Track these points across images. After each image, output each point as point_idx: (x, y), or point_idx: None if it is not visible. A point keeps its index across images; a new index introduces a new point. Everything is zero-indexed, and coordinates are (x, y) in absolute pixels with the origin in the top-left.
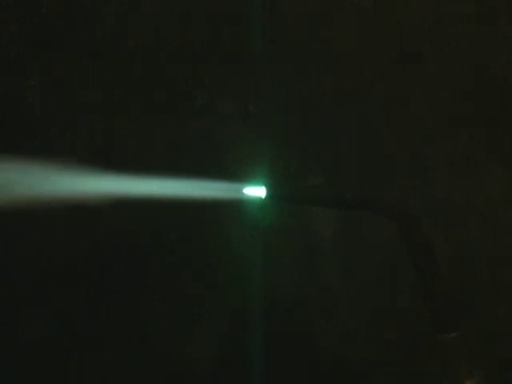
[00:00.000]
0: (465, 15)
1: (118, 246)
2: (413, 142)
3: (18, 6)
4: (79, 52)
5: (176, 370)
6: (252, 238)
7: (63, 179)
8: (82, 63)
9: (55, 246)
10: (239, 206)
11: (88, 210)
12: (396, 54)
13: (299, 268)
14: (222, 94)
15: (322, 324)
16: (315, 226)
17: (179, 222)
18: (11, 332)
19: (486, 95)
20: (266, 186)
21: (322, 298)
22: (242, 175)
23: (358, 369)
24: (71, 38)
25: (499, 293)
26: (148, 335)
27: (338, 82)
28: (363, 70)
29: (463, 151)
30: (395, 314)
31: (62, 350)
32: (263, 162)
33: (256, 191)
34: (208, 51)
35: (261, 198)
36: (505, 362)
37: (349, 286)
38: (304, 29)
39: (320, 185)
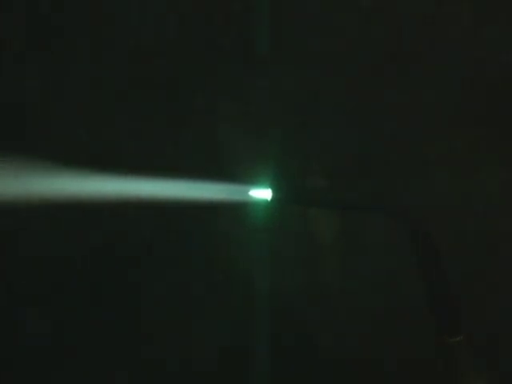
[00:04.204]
0: (465, 15)
1: (117, 246)
2: (413, 141)
3: (18, 6)
4: (79, 52)
5: (176, 370)
6: (254, 239)
7: (63, 179)
8: (82, 63)
9: (55, 246)
10: (241, 206)
11: (88, 211)
12: (396, 53)
13: (299, 268)
14: (222, 94)
15: (322, 324)
16: (315, 225)
17: (179, 222)
18: (11, 332)
19: (486, 95)
20: (271, 188)
21: (322, 297)
22: (242, 176)
23: (358, 369)
24: (71, 38)
25: (500, 293)
26: (148, 335)
27: (338, 82)
28: (363, 69)
29: (463, 151)
30: (395, 314)
31: (61, 350)
32: (264, 162)
33: (261, 193)
34: (208, 51)
35: (266, 201)
36: (505, 363)
37: (349, 285)
38: (304, 29)
39: (321, 185)
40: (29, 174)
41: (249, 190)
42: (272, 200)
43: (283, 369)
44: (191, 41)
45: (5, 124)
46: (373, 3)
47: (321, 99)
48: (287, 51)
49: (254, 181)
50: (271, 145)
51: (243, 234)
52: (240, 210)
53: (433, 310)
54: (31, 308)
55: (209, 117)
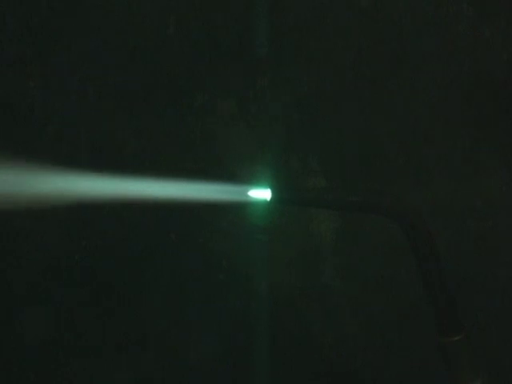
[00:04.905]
0: (465, 15)
1: (117, 246)
2: (413, 142)
3: (18, 6)
4: (79, 52)
5: (175, 370)
6: (254, 239)
7: (63, 179)
8: (82, 63)
9: (55, 246)
10: (241, 206)
11: (88, 211)
12: (396, 53)
13: (299, 268)
14: (222, 94)
15: (322, 324)
16: (315, 225)
17: (179, 221)
18: (10, 332)
19: (486, 95)
20: (271, 188)
21: (322, 297)
22: (242, 176)
23: (358, 369)
24: (71, 38)
25: (500, 293)
26: (148, 335)
27: (338, 82)
28: (363, 70)
29: (463, 151)
30: (395, 314)
31: (60, 350)
32: (264, 162)
33: (261, 194)
34: (208, 51)
35: (266, 201)
36: (505, 364)
37: (349, 286)
38: (304, 28)
39: (321, 186)
40: (29, 173)
41: (248, 190)
42: (272, 200)
43: (283, 369)
44: (191, 41)
45: (5, 124)
46: (373, 3)
47: (321, 99)
48: (287, 51)
49: (253, 181)
50: (271, 145)
51: (243, 234)
52: (240, 210)
53: (433, 309)
54: (31, 308)
55: (209, 117)
